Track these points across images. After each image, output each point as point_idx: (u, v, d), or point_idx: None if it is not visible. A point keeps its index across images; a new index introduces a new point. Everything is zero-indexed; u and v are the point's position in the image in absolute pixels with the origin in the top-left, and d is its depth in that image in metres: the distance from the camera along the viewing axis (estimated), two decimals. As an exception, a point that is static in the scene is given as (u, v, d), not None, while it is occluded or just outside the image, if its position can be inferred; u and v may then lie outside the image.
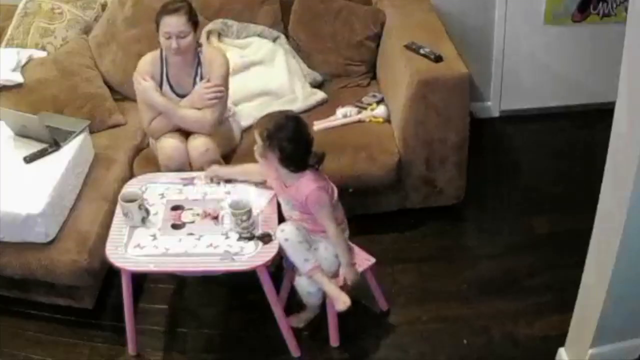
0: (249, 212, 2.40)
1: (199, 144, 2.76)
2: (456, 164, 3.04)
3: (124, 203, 2.44)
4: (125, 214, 2.45)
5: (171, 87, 2.83)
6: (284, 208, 2.52)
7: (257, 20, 3.52)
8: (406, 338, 2.64)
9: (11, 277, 2.63)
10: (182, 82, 2.83)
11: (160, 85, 2.83)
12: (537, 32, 3.69)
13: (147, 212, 2.49)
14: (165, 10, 2.68)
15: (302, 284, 2.47)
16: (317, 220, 2.41)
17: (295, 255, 2.41)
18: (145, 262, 2.33)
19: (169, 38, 2.68)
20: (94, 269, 2.59)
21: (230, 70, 2.93)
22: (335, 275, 2.49)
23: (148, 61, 2.82)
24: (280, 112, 2.45)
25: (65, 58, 3.25)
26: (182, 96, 2.84)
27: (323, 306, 2.53)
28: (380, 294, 2.71)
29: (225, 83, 2.84)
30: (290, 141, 2.32)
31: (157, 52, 2.83)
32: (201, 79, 2.82)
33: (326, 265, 2.46)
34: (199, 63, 2.82)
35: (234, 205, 2.41)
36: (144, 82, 2.77)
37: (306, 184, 2.36)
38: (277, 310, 2.47)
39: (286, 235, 2.40)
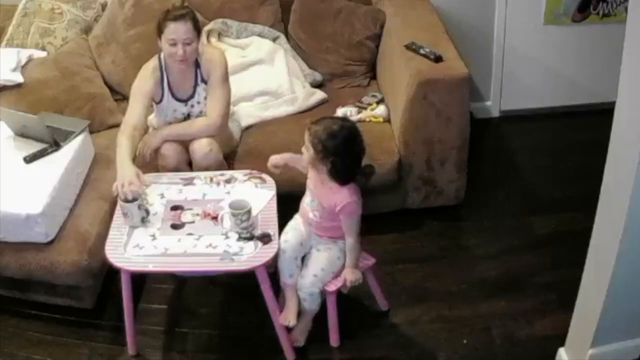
0: (249, 212, 2.40)
1: (202, 145, 2.75)
2: (456, 164, 3.04)
3: (123, 203, 2.44)
4: (125, 214, 2.45)
5: (172, 93, 2.81)
6: (306, 204, 2.51)
7: (257, 20, 3.52)
8: (406, 338, 2.64)
9: (11, 277, 2.63)
10: (182, 86, 2.81)
11: (162, 94, 2.79)
12: (537, 32, 3.69)
13: (147, 212, 2.49)
14: (170, 17, 2.63)
15: (305, 285, 2.46)
16: (343, 228, 2.43)
17: (284, 265, 2.47)
18: (144, 262, 2.33)
19: (174, 44, 2.65)
20: (94, 269, 2.59)
21: (230, 69, 2.93)
22: (336, 275, 2.49)
23: (149, 71, 2.75)
24: (336, 121, 2.41)
25: (65, 58, 3.26)
26: (183, 101, 2.82)
27: (322, 306, 2.53)
28: (380, 294, 2.71)
29: (225, 83, 2.83)
30: (343, 157, 2.31)
31: (155, 61, 2.78)
32: (202, 80, 2.81)
33: (327, 266, 2.46)
34: (197, 66, 2.79)
35: (234, 205, 2.41)
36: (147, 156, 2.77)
37: (345, 194, 2.37)
38: (274, 311, 2.47)
39: (285, 246, 2.46)
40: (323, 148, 2.31)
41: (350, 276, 2.44)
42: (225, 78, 2.83)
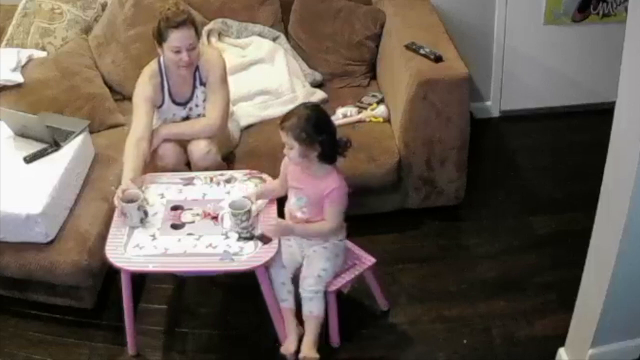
0: (249, 212, 2.40)
1: (201, 146, 2.74)
2: (456, 164, 3.04)
3: (123, 204, 2.44)
4: (124, 214, 2.45)
5: (171, 97, 2.80)
6: (292, 204, 2.49)
7: (257, 20, 3.52)
8: (406, 338, 2.64)
9: (11, 277, 2.63)
10: (181, 90, 2.80)
11: (162, 99, 2.78)
12: (537, 32, 3.69)
13: (146, 213, 2.48)
14: (172, 24, 2.59)
15: (310, 284, 2.43)
16: (325, 216, 2.41)
17: (276, 292, 2.47)
18: (144, 262, 2.33)
19: (178, 52, 2.63)
20: (94, 269, 2.59)
21: (231, 69, 2.92)
22: (337, 275, 2.49)
23: (148, 77, 2.74)
24: (305, 106, 2.42)
25: (65, 58, 3.26)
26: (182, 104, 2.81)
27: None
28: (380, 294, 2.71)
29: (224, 84, 2.82)
30: (328, 133, 2.34)
31: (154, 65, 2.77)
32: (200, 83, 2.80)
33: (329, 266, 2.46)
34: (196, 68, 2.77)
35: (234, 206, 2.41)
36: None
37: (334, 179, 2.39)
38: (274, 311, 2.46)
39: (270, 272, 2.45)
40: (307, 134, 2.31)
41: (271, 232, 2.39)
42: (224, 79, 2.82)
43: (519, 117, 3.93)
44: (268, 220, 2.45)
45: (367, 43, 3.42)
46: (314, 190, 2.41)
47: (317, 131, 2.32)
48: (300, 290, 2.46)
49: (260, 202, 2.52)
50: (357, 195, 3.00)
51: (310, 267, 2.46)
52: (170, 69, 2.74)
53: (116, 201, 2.47)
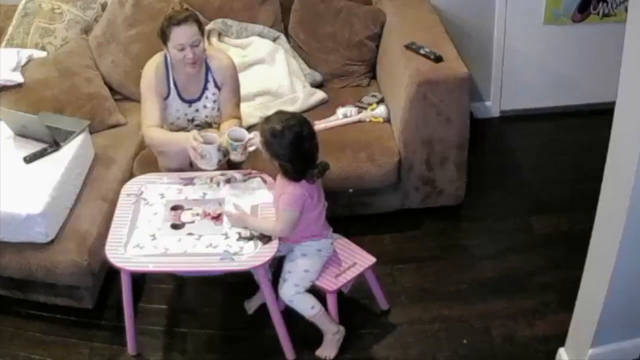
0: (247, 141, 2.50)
1: None
2: (456, 164, 3.04)
3: (203, 145, 2.50)
4: (204, 156, 2.51)
5: (178, 92, 2.78)
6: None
7: (257, 20, 3.52)
8: (406, 338, 2.64)
9: (11, 277, 2.63)
10: (189, 87, 2.78)
11: (168, 92, 2.76)
12: (537, 32, 3.69)
13: (225, 154, 2.55)
14: (174, 22, 2.58)
15: (282, 288, 2.46)
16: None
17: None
18: (144, 262, 2.33)
19: (182, 49, 2.61)
20: (94, 269, 2.59)
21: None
22: (320, 273, 2.49)
23: (153, 67, 2.73)
24: (283, 120, 2.29)
25: (65, 58, 3.26)
26: (189, 102, 2.80)
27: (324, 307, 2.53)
28: (381, 294, 2.71)
29: (238, 83, 2.85)
30: (290, 159, 2.28)
31: (160, 58, 2.75)
32: (215, 85, 2.78)
33: (287, 275, 2.47)
34: (208, 69, 2.77)
35: (231, 135, 2.51)
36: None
37: (293, 186, 2.33)
38: (274, 310, 2.46)
39: None
40: (268, 148, 2.30)
41: (233, 220, 2.43)
42: (238, 78, 2.85)
43: (519, 117, 3.93)
44: (266, 213, 2.48)
45: (367, 43, 3.42)
46: (277, 190, 2.41)
47: (279, 152, 2.28)
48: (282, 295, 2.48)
49: (260, 201, 2.53)
50: (357, 195, 3.03)
51: (283, 271, 2.48)
52: (177, 66, 2.73)
53: (194, 144, 2.50)
